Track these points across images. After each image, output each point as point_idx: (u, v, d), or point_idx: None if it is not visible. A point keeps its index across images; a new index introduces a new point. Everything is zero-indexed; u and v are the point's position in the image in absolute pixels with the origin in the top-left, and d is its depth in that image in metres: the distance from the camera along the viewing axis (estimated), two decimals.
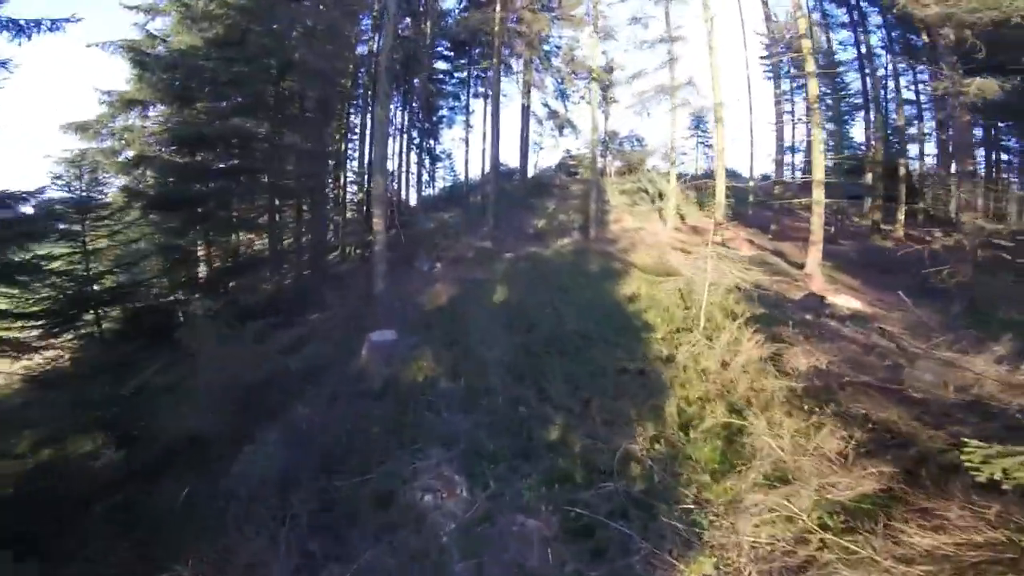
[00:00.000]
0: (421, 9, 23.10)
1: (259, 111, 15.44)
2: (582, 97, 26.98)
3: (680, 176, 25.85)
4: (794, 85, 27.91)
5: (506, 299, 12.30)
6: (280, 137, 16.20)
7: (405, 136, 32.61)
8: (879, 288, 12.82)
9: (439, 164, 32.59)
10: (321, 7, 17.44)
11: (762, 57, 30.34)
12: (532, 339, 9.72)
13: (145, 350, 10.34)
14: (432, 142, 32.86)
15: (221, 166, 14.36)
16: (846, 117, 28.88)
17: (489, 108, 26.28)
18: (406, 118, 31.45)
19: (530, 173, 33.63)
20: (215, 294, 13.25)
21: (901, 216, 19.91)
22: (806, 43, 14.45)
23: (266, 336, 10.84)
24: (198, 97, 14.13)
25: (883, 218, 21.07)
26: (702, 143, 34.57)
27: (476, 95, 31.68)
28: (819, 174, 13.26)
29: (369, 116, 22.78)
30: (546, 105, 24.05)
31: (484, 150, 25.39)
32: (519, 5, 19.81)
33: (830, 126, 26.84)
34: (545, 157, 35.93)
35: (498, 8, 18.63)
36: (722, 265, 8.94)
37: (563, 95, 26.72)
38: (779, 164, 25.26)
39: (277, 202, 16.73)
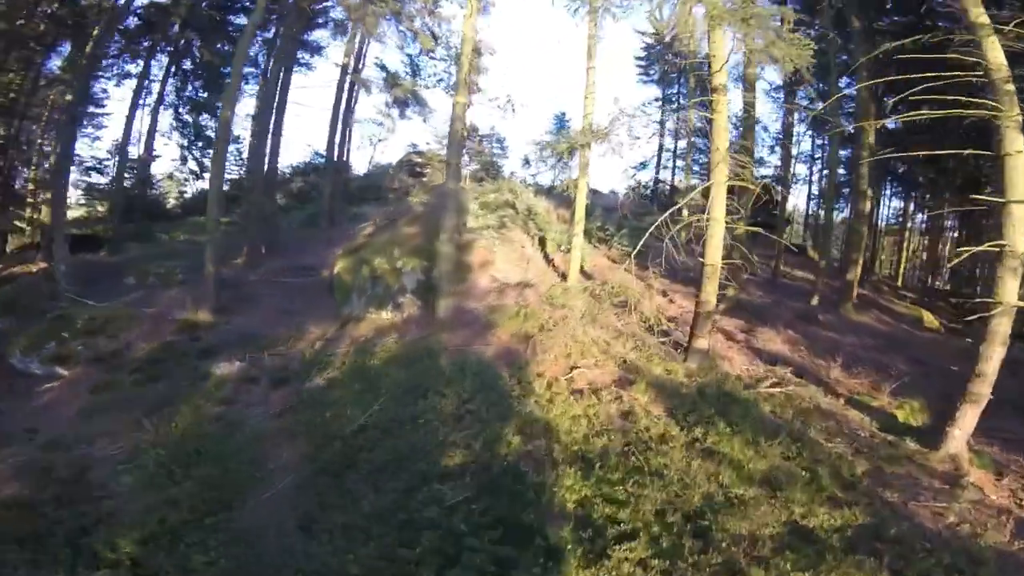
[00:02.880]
0: None
1: None
2: (440, 80, 18.25)
3: (551, 189, 17.30)
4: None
5: None
6: None
7: (171, 111, 21.14)
8: None
9: (212, 150, 21.34)
10: None
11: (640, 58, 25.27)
12: None
13: None
14: (205, 116, 21.50)
15: None
16: None
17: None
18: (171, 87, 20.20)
19: (363, 170, 23.94)
20: None
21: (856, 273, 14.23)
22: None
23: None
24: None
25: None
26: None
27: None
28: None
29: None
30: (382, 67, 14.81)
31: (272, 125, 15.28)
32: None
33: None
34: (388, 151, 26.42)
35: None
36: None
37: (415, 68, 17.77)
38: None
39: None
